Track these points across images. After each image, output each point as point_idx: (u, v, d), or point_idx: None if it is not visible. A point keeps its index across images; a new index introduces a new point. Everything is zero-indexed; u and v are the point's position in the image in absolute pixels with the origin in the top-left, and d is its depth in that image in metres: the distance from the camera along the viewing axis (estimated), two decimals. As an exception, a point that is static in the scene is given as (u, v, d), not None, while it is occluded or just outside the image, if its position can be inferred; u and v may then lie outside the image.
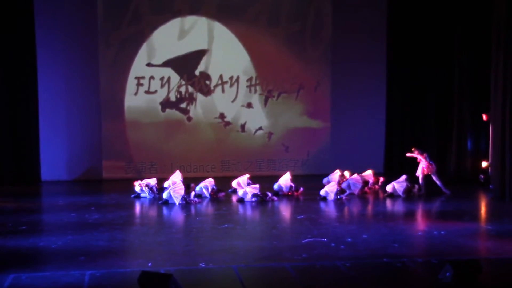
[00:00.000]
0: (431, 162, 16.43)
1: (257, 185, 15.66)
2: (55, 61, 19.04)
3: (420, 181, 16.44)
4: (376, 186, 17.19)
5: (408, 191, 16.19)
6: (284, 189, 16.33)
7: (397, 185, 16.16)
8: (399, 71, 20.28)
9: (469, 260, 9.00)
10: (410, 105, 20.30)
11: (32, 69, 18.67)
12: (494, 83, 15.68)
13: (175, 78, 19.90)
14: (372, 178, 17.24)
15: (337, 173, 17.19)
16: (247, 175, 16.70)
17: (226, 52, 20.06)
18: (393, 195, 16.03)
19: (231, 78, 20.20)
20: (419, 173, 16.46)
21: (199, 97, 20.07)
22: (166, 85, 19.83)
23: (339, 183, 16.31)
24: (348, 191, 16.24)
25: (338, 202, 15.29)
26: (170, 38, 19.72)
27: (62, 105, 19.20)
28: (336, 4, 20.29)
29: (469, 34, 18.25)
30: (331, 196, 15.48)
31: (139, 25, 19.51)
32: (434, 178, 16.42)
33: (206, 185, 16.03)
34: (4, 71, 18.32)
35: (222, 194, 16.15)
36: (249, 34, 20.07)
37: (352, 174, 17.03)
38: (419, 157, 16.47)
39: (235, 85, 20.23)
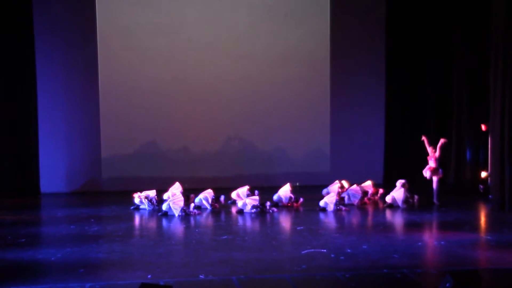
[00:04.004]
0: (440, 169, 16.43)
1: (256, 197, 15.68)
2: (54, 72, 19.06)
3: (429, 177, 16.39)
4: (376, 197, 17.19)
5: (407, 201, 16.21)
6: (284, 200, 16.33)
7: (397, 195, 16.15)
8: (398, 82, 20.38)
9: (469, 270, 8.99)
10: (409, 116, 20.40)
11: (31, 80, 18.70)
12: (492, 94, 15.72)
13: (174, 89, 19.97)
14: (372, 189, 17.25)
15: (336, 184, 17.20)
16: (247, 187, 16.69)
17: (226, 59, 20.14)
18: (392, 206, 16.04)
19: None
20: (427, 174, 16.40)
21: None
22: (166, 96, 19.91)
23: (338, 194, 16.31)
24: (347, 202, 16.27)
25: (338, 213, 15.29)
26: (169, 45, 19.73)
27: (61, 117, 19.21)
28: (334, 6, 20.34)
29: (468, 43, 18.30)
30: (331, 207, 15.48)
31: (138, 33, 19.53)
32: (434, 183, 16.36)
33: (206, 197, 16.05)
34: (3, 82, 18.35)
35: (222, 197, 16.26)
36: (246, 40, 20.10)
37: (351, 184, 17.04)
38: (430, 151, 16.35)
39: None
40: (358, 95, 20.58)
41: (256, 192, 16.25)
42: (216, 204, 16.05)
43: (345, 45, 20.42)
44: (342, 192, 16.72)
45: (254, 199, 15.47)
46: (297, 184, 17.97)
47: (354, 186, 16.87)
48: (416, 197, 16.49)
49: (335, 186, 17.05)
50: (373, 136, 20.70)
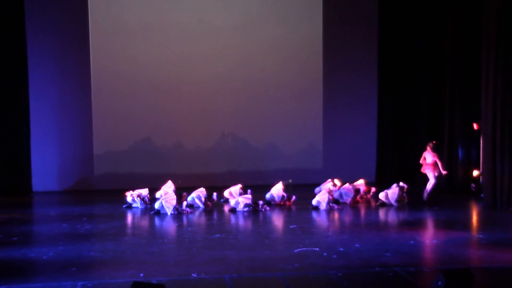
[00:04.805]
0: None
1: (249, 195, 15.68)
2: (46, 72, 19.01)
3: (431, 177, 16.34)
4: (368, 196, 17.22)
5: (400, 199, 16.26)
6: (276, 199, 16.34)
7: (390, 193, 16.20)
8: (390, 82, 20.43)
9: (461, 269, 9.02)
10: (401, 115, 20.46)
11: (23, 80, 18.63)
12: (484, 93, 15.76)
13: (167, 88, 19.94)
14: (364, 187, 17.28)
15: (329, 183, 17.22)
16: (239, 185, 16.71)
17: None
18: (385, 205, 16.06)
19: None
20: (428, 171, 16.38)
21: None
22: (159, 95, 19.87)
23: (330, 192, 16.35)
24: (340, 201, 16.33)
25: (330, 211, 15.31)
26: (162, 43, 19.69)
27: (53, 115, 19.17)
28: (327, 6, 20.35)
29: (459, 43, 18.35)
30: (323, 206, 15.50)
31: (131, 31, 19.47)
32: (429, 184, 16.35)
33: (199, 195, 16.04)
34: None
35: (214, 194, 16.28)
36: (239, 38, 20.08)
37: (343, 183, 17.07)
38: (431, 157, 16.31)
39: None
40: (351, 93, 20.63)
41: (249, 191, 16.25)
42: (209, 203, 16.06)
43: (338, 42, 20.45)
44: (335, 190, 16.76)
45: (247, 198, 15.48)
46: (290, 181, 17.99)
47: (347, 184, 16.90)
48: (405, 186, 16.49)
49: (327, 185, 17.08)
50: (365, 134, 20.74)
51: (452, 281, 8.29)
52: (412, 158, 18.43)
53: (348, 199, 16.51)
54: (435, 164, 16.16)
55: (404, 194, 16.45)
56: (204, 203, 15.95)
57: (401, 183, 16.53)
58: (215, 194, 16.41)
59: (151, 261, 10.28)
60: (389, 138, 20.60)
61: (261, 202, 15.52)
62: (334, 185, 17.14)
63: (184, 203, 15.41)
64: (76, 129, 19.37)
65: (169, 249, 11.36)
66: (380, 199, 16.22)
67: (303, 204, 16.04)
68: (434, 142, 16.51)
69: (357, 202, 16.69)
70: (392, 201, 16.08)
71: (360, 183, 17.40)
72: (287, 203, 16.34)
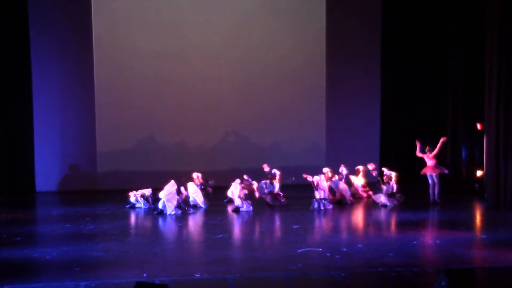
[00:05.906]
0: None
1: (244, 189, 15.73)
2: (49, 72, 19.00)
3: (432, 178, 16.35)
4: (370, 192, 17.19)
5: (391, 195, 16.21)
6: (277, 190, 16.34)
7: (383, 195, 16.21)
8: (393, 81, 20.39)
9: (464, 269, 9.01)
10: (404, 114, 20.42)
11: (26, 80, 18.66)
12: (488, 93, 15.73)
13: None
14: (363, 181, 17.34)
15: (324, 181, 17.08)
16: (238, 180, 16.64)
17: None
18: (386, 206, 15.99)
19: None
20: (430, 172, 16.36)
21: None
22: (161, 95, 19.88)
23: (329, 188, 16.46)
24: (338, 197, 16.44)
25: (333, 211, 15.31)
26: (165, 42, 19.71)
27: (56, 115, 19.17)
28: (330, 8, 20.34)
29: (462, 43, 18.33)
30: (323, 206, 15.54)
31: (134, 30, 19.50)
32: (435, 179, 16.31)
33: (198, 193, 16.09)
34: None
35: (211, 182, 16.37)
36: (242, 36, 20.09)
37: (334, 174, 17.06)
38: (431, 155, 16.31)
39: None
40: (354, 91, 20.58)
41: (246, 176, 16.23)
42: (209, 188, 16.12)
43: (341, 40, 20.39)
44: (331, 181, 16.74)
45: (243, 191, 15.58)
46: (293, 178, 17.97)
47: (336, 177, 16.84)
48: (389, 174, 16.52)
49: (324, 183, 16.76)
50: (368, 132, 20.71)
51: (455, 281, 8.27)
52: (415, 156, 18.37)
53: (347, 194, 16.50)
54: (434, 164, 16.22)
55: (389, 183, 16.31)
56: (204, 189, 15.98)
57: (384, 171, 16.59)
58: (211, 181, 16.43)
59: (154, 261, 10.29)
60: (392, 136, 20.59)
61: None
62: (329, 178, 16.95)
63: (184, 193, 15.45)
64: (79, 129, 19.36)
65: (172, 249, 11.37)
66: (382, 202, 16.18)
67: (305, 204, 16.00)
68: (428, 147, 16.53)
69: (355, 196, 16.78)
70: (386, 201, 16.05)
71: (360, 180, 17.44)
72: (282, 197, 16.33)
